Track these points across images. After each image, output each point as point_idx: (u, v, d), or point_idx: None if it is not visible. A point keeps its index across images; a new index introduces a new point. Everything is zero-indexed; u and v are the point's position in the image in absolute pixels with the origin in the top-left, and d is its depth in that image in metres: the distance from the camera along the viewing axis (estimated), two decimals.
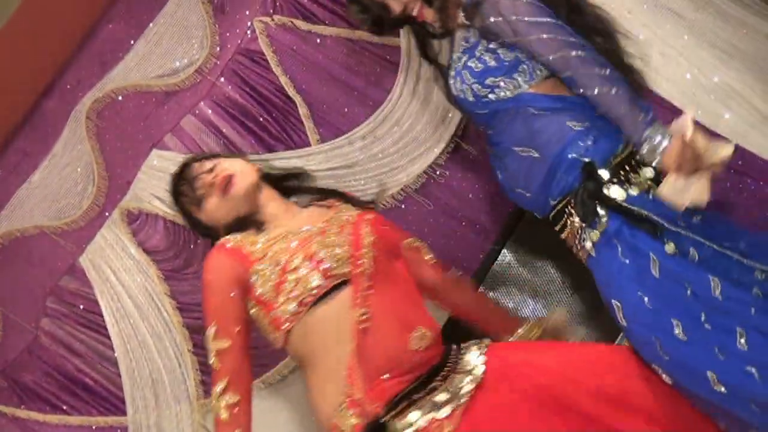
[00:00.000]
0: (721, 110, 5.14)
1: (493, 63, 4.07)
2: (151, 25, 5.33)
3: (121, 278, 5.15)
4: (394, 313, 3.75)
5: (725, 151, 3.78)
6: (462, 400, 3.65)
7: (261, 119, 5.32)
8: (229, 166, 4.04)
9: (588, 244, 3.85)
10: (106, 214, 5.24)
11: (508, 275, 5.22)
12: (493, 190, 5.26)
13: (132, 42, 5.32)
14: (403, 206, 5.32)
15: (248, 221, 4.05)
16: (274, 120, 5.30)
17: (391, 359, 3.65)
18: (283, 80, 5.25)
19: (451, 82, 4.22)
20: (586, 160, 3.85)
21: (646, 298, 3.67)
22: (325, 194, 4.31)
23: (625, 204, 3.73)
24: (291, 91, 5.25)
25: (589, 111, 3.95)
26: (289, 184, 4.33)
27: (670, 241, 3.68)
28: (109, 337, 5.07)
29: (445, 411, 3.62)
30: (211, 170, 4.03)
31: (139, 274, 5.17)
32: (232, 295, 3.79)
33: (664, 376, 3.66)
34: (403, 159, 5.29)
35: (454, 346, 3.88)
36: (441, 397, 3.64)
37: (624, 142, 3.90)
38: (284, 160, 5.22)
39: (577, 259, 4.11)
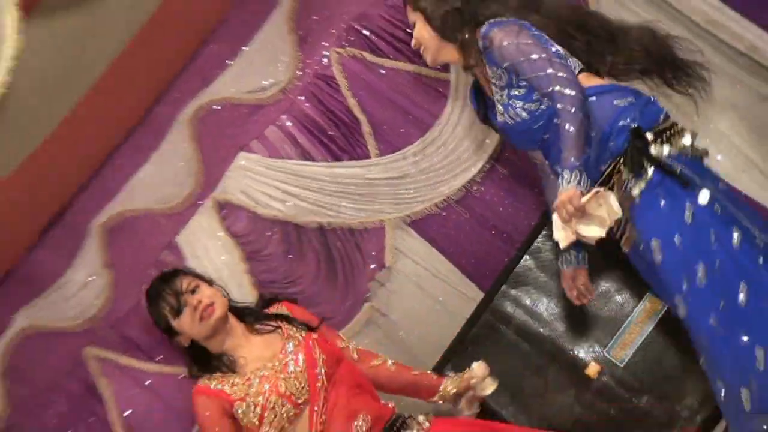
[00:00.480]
0: (714, 152, 5.64)
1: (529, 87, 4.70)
2: (246, 48, 6.10)
3: (210, 256, 5.92)
4: (341, 409, 4.66)
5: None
6: None
7: (331, 133, 6.07)
8: (211, 294, 4.86)
9: (635, 192, 4.45)
10: (200, 202, 5.99)
11: (528, 277, 5.77)
12: (520, 206, 6.07)
13: (229, 62, 6.07)
14: (444, 213, 6.08)
15: (215, 358, 4.86)
16: (342, 134, 6.04)
17: None
18: (351, 102, 6.00)
19: (502, 118, 4.79)
20: (634, 125, 4.49)
21: (679, 239, 4.31)
22: (274, 318, 5.03)
23: (666, 161, 4.39)
24: (357, 112, 5.99)
25: (629, 92, 4.66)
26: (246, 316, 5.02)
27: (701, 193, 4.33)
28: None
29: None
30: (193, 292, 4.82)
31: (225, 253, 5.92)
32: (224, 425, 4.67)
33: (680, 309, 4.35)
34: (447, 174, 6.05)
35: (399, 417, 4.84)
36: None
37: (664, 114, 4.63)
38: (349, 168, 5.97)
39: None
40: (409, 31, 5.81)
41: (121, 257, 5.99)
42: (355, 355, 5.09)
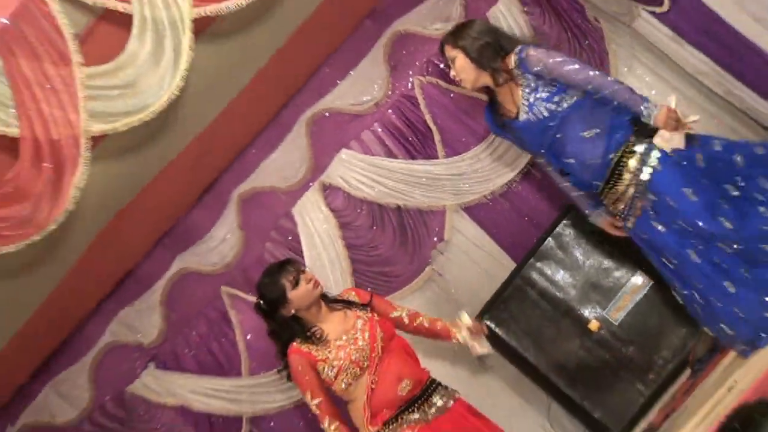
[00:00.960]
0: None
1: (553, 89, 5.29)
2: (352, 72, 7.16)
3: (315, 224, 7.07)
4: (390, 374, 5.27)
5: (692, 117, 5.28)
6: (428, 419, 5.26)
7: (410, 139, 7.16)
8: (317, 279, 5.39)
9: (648, 169, 5.11)
10: (310, 184, 7.13)
11: (550, 254, 6.70)
12: (547, 201, 7.11)
13: (338, 81, 7.14)
14: (490, 203, 7.18)
15: (308, 329, 5.31)
16: (418, 140, 7.14)
17: (386, 402, 5.26)
18: (427, 117, 7.05)
19: (525, 116, 5.37)
20: (630, 118, 5.20)
21: (692, 193, 4.99)
22: (342, 303, 5.51)
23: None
24: (431, 124, 7.04)
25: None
26: (324, 298, 5.44)
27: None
28: (303, 259, 6.95)
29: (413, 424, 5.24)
30: (303, 270, 5.36)
31: (325, 223, 7.05)
32: (312, 376, 5.24)
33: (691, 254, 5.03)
34: (494, 174, 7.10)
35: (433, 382, 5.41)
36: (413, 416, 5.27)
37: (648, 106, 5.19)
38: (421, 166, 7.00)
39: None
40: None
41: (250, 221, 7.15)
42: (407, 320, 5.65)
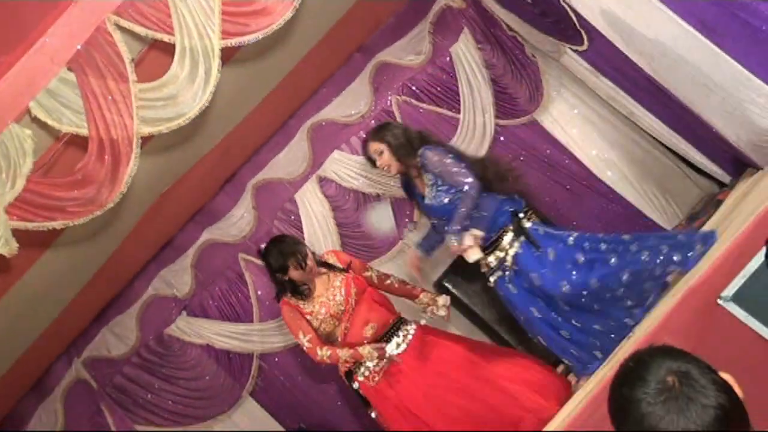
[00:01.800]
0: (605, 170, 7.05)
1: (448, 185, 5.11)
2: (343, 92, 7.24)
3: (313, 207, 7.19)
4: (359, 320, 5.14)
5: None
6: (393, 358, 5.08)
7: None
8: (314, 263, 5.12)
9: (516, 246, 4.99)
10: (309, 176, 7.24)
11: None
12: None
13: (333, 99, 7.25)
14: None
15: (300, 288, 5.12)
16: None
17: (356, 343, 5.06)
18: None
19: (430, 201, 5.18)
20: (512, 210, 5.09)
21: (546, 270, 4.87)
22: (326, 266, 5.25)
23: (531, 229, 5.04)
24: None
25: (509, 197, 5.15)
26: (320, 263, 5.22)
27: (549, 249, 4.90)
28: (303, 234, 7.08)
29: (378, 366, 5.06)
30: (309, 258, 5.07)
31: (321, 206, 7.21)
32: (301, 320, 5.08)
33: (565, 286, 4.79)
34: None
35: (398, 322, 5.21)
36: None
37: (525, 206, 5.15)
38: None
39: None
40: (438, 88, 7.18)
41: (262, 204, 7.29)
42: (375, 280, 5.40)
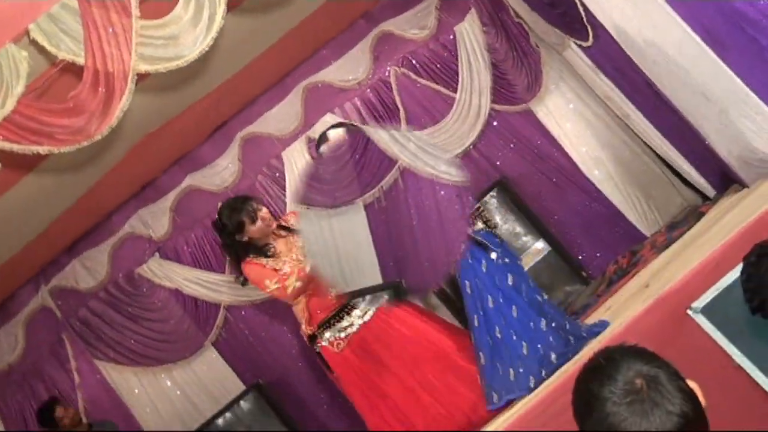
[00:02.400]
0: (592, 168, 7.07)
1: None
2: (344, 56, 7.27)
3: (298, 166, 7.16)
4: (318, 284, 4.92)
5: None
6: (354, 329, 4.93)
7: (381, 113, 7.23)
8: (269, 216, 4.98)
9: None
10: (299, 136, 7.27)
11: None
12: (484, 175, 7.03)
13: (332, 62, 7.27)
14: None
15: (262, 247, 4.98)
16: (387, 114, 7.22)
17: (321, 305, 4.96)
18: (397, 98, 7.19)
19: None
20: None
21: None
22: (287, 230, 5.08)
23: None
24: (399, 103, 7.18)
25: None
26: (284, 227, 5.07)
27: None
28: (286, 192, 7.14)
29: (344, 333, 4.94)
30: (260, 209, 4.93)
31: (305, 163, 7.04)
32: (269, 273, 4.88)
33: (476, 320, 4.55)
34: (448, 145, 7.03)
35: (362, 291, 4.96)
36: (343, 324, 4.96)
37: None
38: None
39: None
40: (438, 65, 7.19)
41: (248, 157, 7.31)
42: None
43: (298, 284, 4.92)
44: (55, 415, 6.49)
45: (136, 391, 7.40)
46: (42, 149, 4.14)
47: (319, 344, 5.01)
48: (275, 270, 4.99)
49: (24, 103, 4.05)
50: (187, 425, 7.24)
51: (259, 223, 4.97)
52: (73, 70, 4.22)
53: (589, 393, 1.81)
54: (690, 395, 1.78)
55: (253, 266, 5.03)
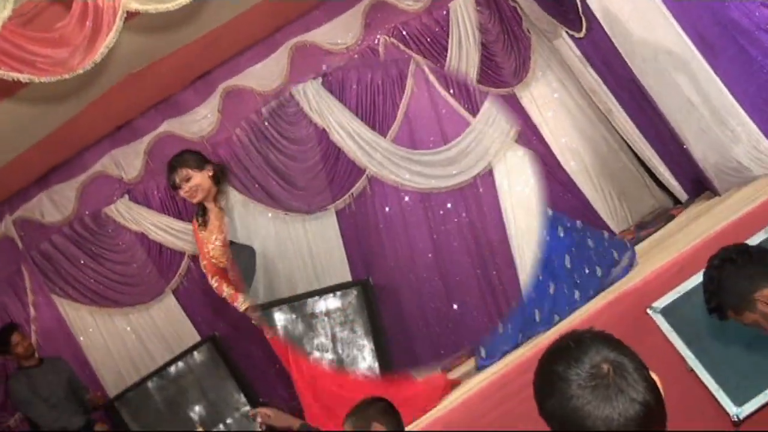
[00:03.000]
0: (569, 159, 7.10)
1: None
2: (336, 19, 7.17)
3: None
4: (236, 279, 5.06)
5: None
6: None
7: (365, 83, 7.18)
8: (196, 184, 4.94)
9: None
10: (288, 94, 7.16)
11: None
12: None
13: (323, 24, 7.16)
14: None
15: (200, 211, 5.06)
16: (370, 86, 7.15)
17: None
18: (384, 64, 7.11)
19: None
20: None
21: None
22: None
23: None
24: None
25: None
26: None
27: None
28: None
29: None
30: (188, 180, 4.91)
31: None
32: (202, 245, 5.07)
33: None
34: None
35: None
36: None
37: None
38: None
39: None
40: (428, 39, 7.13)
41: (228, 108, 7.26)
42: None
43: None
44: (11, 339, 6.45)
45: (91, 330, 7.38)
46: (22, 77, 4.09)
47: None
48: (206, 241, 5.11)
49: (9, 29, 3.98)
50: (139, 369, 7.24)
51: (181, 192, 5.03)
52: (63, 1, 4.17)
53: (553, 374, 1.83)
54: (653, 386, 1.80)
55: (195, 231, 5.21)
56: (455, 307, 6.93)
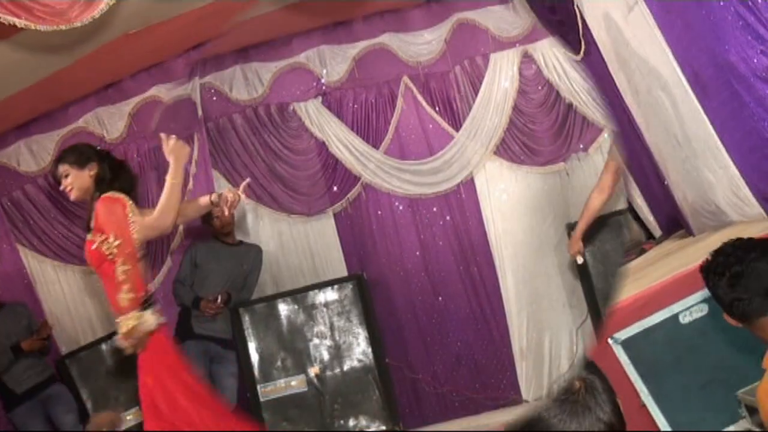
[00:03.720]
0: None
1: None
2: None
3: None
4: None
5: None
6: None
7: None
8: (71, 181, 4.49)
9: None
10: (291, 110, 7.39)
11: None
12: None
13: None
14: None
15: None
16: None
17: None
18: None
19: None
20: None
21: None
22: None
23: None
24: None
25: None
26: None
27: None
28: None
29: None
30: (67, 176, 4.48)
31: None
32: None
33: None
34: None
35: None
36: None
37: None
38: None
39: None
40: None
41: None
42: None
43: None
44: None
45: (55, 286, 7.35)
46: (18, 21, 4.05)
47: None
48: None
49: None
50: (95, 329, 7.23)
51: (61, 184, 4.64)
52: None
53: None
54: (619, 411, 1.87)
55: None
56: (440, 299, 7.46)
